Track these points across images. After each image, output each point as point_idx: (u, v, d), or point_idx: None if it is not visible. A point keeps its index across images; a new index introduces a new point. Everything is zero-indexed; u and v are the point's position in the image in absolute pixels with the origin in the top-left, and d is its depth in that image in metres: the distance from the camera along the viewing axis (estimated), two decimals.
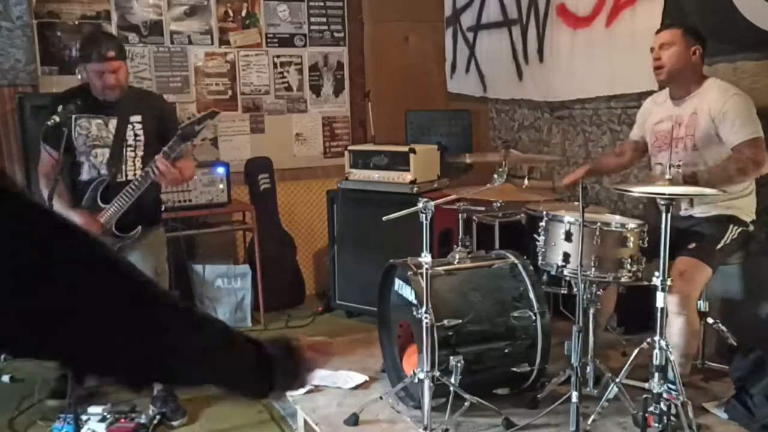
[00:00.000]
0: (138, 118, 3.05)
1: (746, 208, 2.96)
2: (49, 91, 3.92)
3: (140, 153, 3.05)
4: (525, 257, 3.06)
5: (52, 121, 2.75)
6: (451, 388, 2.70)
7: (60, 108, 2.79)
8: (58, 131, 2.79)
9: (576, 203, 2.58)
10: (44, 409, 3.20)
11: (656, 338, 2.49)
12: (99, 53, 2.88)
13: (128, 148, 3.03)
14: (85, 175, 3.01)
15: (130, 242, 3.02)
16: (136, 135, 3.05)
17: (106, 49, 2.89)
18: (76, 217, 2.84)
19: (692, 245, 2.86)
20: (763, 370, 2.77)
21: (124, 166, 3.02)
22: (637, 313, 3.47)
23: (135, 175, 3.00)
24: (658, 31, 3.03)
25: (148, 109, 3.09)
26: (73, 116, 2.89)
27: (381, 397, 2.92)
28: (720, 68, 3.31)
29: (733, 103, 2.83)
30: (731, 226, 2.90)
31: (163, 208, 3.35)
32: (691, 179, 2.68)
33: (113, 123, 3.01)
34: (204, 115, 2.94)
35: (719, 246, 2.87)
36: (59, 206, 2.85)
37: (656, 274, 2.48)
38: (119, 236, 2.98)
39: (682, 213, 2.98)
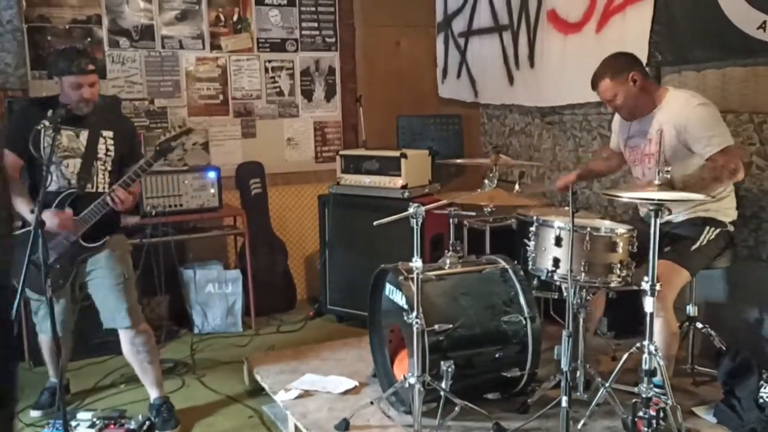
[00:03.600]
0: (110, 133, 3.07)
1: (723, 210, 2.99)
2: (39, 95, 3.90)
3: (108, 167, 3.06)
4: (516, 262, 3.07)
5: (42, 125, 2.74)
6: (442, 393, 2.71)
7: (50, 112, 2.77)
8: (39, 137, 2.80)
9: (566, 208, 2.59)
10: (29, 419, 3.17)
11: (645, 342, 2.50)
12: (79, 66, 2.89)
13: (98, 161, 3.03)
14: (53, 185, 2.95)
15: (95, 252, 3.01)
16: (107, 149, 3.06)
17: (85, 62, 2.91)
18: (51, 216, 2.81)
19: (667, 248, 2.89)
20: (750, 374, 2.79)
21: (95, 178, 3.01)
22: (627, 317, 3.49)
23: (104, 188, 3.00)
24: (594, 88, 3.02)
25: (118, 127, 3.13)
26: (43, 128, 2.83)
27: (372, 402, 2.92)
28: (708, 75, 3.34)
29: (697, 115, 2.84)
30: (707, 228, 2.93)
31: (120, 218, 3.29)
32: (667, 185, 2.69)
33: (84, 135, 3.01)
34: (179, 133, 2.99)
35: (694, 247, 2.90)
36: (27, 207, 2.84)
37: (645, 278, 2.49)
38: (85, 247, 2.98)
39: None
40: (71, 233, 2.92)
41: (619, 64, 2.98)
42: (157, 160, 2.91)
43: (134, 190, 3.00)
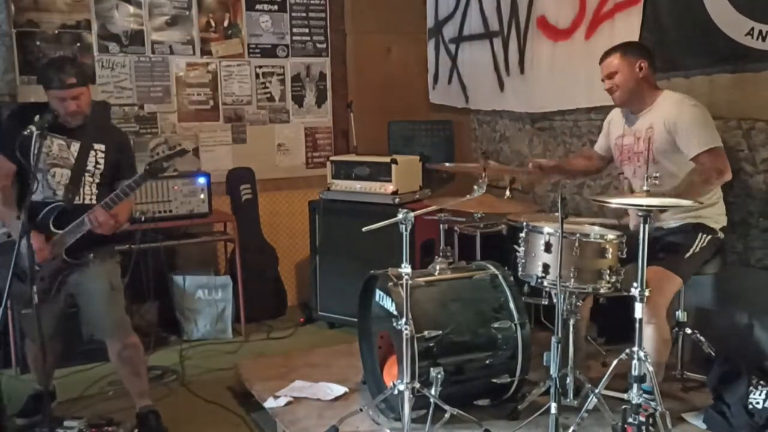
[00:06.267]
0: (102, 147, 2.98)
1: (714, 216, 3.00)
2: (28, 101, 3.88)
3: (97, 180, 2.98)
4: (506, 268, 3.07)
5: (29, 130, 2.70)
6: (432, 400, 2.70)
7: (37, 117, 2.74)
8: (27, 142, 2.75)
9: (556, 214, 2.60)
10: (15, 427, 3.14)
11: (635, 349, 2.50)
12: (60, 80, 2.79)
13: (86, 174, 2.96)
14: (38, 195, 2.86)
15: (80, 267, 2.93)
16: (97, 162, 2.97)
17: (67, 75, 2.80)
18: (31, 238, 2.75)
19: (661, 255, 2.90)
20: (740, 380, 2.79)
21: (82, 190, 2.94)
22: (617, 323, 3.48)
23: (91, 200, 2.93)
24: (601, 61, 3.06)
25: (111, 140, 3.04)
26: (31, 133, 2.71)
27: (361, 409, 2.91)
28: (696, 81, 3.35)
29: (688, 115, 2.87)
30: (700, 235, 2.94)
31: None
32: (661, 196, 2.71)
33: (75, 146, 2.93)
34: (173, 153, 2.85)
35: (688, 255, 2.91)
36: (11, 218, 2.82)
37: (635, 284, 2.49)
38: (69, 262, 2.90)
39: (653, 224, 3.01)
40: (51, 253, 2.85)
41: (634, 47, 3.08)
42: (144, 181, 2.80)
43: (117, 211, 2.87)
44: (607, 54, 3.04)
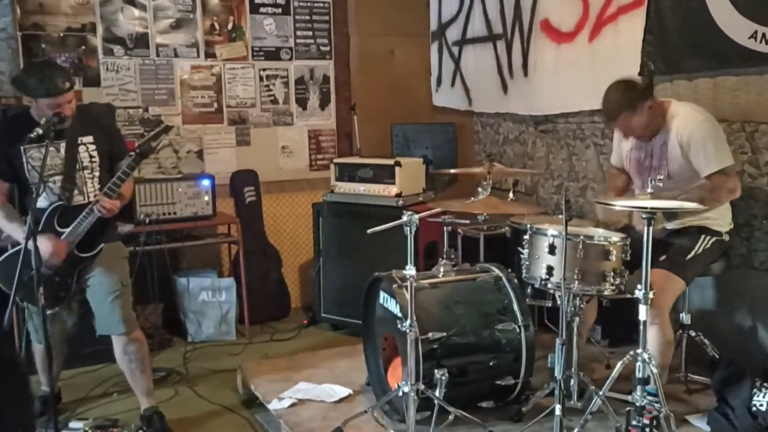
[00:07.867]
0: (90, 138, 2.96)
1: (719, 219, 3.00)
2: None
3: (96, 174, 2.98)
4: (509, 270, 3.08)
5: (35, 133, 2.72)
6: (436, 402, 2.70)
7: (34, 133, 2.74)
8: (19, 158, 2.78)
9: (560, 216, 2.60)
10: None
11: (639, 351, 2.50)
12: (56, 87, 2.77)
13: (85, 171, 2.95)
14: (43, 202, 2.87)
15: (92, 261, 2.96)
16: (91, 156, 2.96)
17: (62, 81, 2.79)
18: (44, 242, 2.78)
19: (663, 257, 2.90)
20: (743, 382, 2.79)
21: (84, 188, 2.95)
22: (621, 325, 3.49)
23: (96, 197, 2.92)
24: (609, 121, 3.08)
25: (99, 128, 3.03)
26: (23, 147, 2.78)
27: (365, 411, 2.91)
28: (700, 83, 3.36)
29: (701, 130, 2.86)
30: (703, 237, 2.95)
31: (117, 225, 3.22)
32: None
33: (62, 146, 2.92)
34: (158, 131, 2.83)
35: (690, 256, 2.91)
36: (20, 231, 2.83)
37: (639, 287, 2.50)
38: (82, 257, 2.92)
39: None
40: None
41: (634, 94, 2.93)
42: (138, 163, 2.84)
43: (122, 192, 2.91)
44: (614, 116, 2.95)
